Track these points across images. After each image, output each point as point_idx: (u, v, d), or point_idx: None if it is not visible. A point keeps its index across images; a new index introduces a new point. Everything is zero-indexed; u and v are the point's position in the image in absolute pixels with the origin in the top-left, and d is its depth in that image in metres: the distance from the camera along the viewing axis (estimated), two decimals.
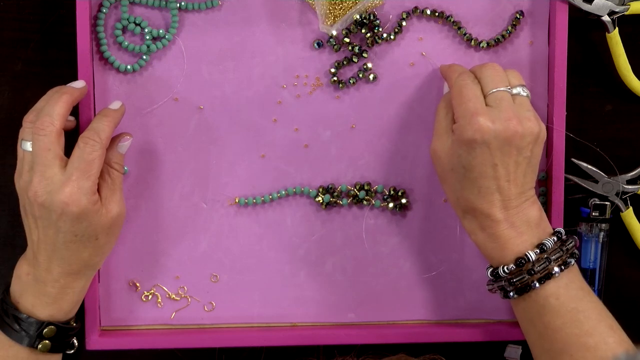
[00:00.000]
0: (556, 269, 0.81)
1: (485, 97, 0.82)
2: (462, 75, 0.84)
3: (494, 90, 0.82)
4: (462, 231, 0.92)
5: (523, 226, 0.82)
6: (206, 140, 0.91)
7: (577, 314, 0.80)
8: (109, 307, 0.92)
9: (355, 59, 0.91)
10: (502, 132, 0.80)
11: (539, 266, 0.80)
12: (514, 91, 0.83)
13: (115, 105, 0.86)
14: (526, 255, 0.81)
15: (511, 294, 0.82)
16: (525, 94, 0.84)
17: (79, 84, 0.85)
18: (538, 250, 0.81)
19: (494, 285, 0.84)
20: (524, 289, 0.81)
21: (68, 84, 0.84)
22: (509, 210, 0.81)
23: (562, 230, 0.84)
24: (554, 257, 0.81)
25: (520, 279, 0.81)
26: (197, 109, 0.91)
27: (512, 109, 0.81)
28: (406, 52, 0.91)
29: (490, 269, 0.84)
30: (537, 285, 0.81)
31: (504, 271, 0.82)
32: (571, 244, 0.83)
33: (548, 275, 0.81)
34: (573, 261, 0.82)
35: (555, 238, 0.82)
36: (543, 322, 0.81)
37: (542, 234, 0.82)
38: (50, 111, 0.80)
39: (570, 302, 0.80)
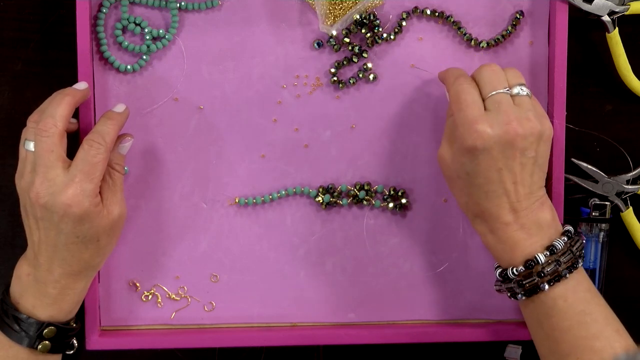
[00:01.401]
0: (565, 271, 0.80)
1: (484, 100, 0.82)
2: (458, 79, 0.83)
3: (492, 93, 0.81)
4: (463, 231, 0.92)
5: (533, 228, 0.81)
6: (206, 140, 0.91)
7: (585, 316, 0.80)
8: (109, 307, 0.91)
9: (355, 59, 0.91)
10: (502, 137, 0.79)
11: (549, 268, 0.80)
12: (514, 91, 0.82)
13: (120, 108, 0.85)
14: (535, 257, 0.80)
15: (519, 295, 0.82)
16: (525, 92, 0.82)
17: (81, 85, 0.85)
18: (548, 252, 0.80)
19: (502, 287, 0.84)
20: (533, 291, 0.81)
21: (71, 86, 0.84)
22: (519, 212, 0.81)
23: (571, 228, 0.83)
24: (563, 259, 0.80)
25: (530, 280, 0.81)
26: (197, 109, 0.91)
27: (512, 110, 0.80)
28: (406, 52, 0.91)
29: (499, 270, 0.83)
30: (547, 287, 0.80)
31: (513, 273, 0.81)
32: (580, 245, 0.82)
33: (557, 278, 0.80)
34: (580, 263, 0.82)
35: (565, 238, 0.82)
36: (550, 324, 0.81)
37: (552, 235, 0.82)
38: (53, 113, 0.80)
39: (578, 304, 0.80)
